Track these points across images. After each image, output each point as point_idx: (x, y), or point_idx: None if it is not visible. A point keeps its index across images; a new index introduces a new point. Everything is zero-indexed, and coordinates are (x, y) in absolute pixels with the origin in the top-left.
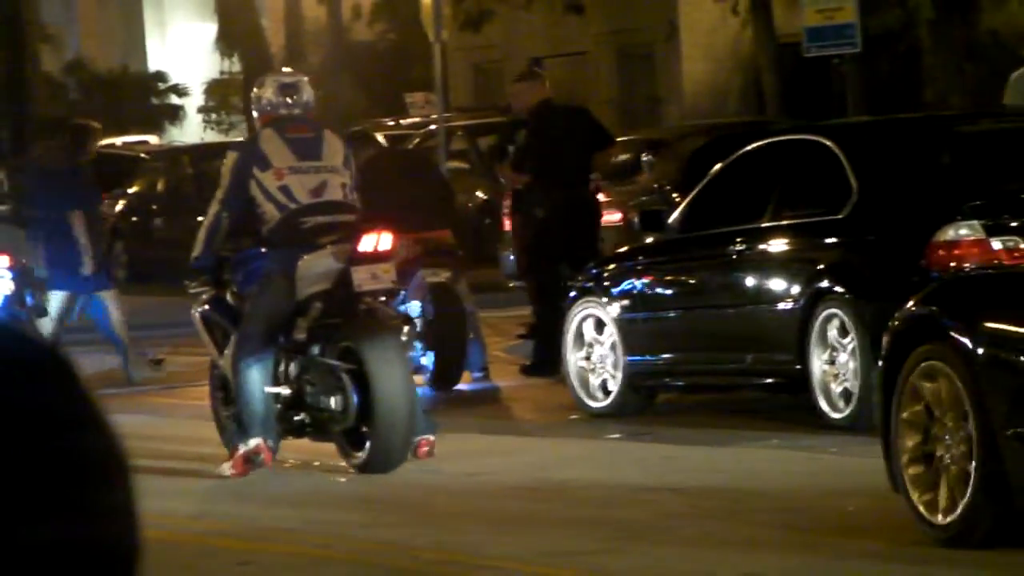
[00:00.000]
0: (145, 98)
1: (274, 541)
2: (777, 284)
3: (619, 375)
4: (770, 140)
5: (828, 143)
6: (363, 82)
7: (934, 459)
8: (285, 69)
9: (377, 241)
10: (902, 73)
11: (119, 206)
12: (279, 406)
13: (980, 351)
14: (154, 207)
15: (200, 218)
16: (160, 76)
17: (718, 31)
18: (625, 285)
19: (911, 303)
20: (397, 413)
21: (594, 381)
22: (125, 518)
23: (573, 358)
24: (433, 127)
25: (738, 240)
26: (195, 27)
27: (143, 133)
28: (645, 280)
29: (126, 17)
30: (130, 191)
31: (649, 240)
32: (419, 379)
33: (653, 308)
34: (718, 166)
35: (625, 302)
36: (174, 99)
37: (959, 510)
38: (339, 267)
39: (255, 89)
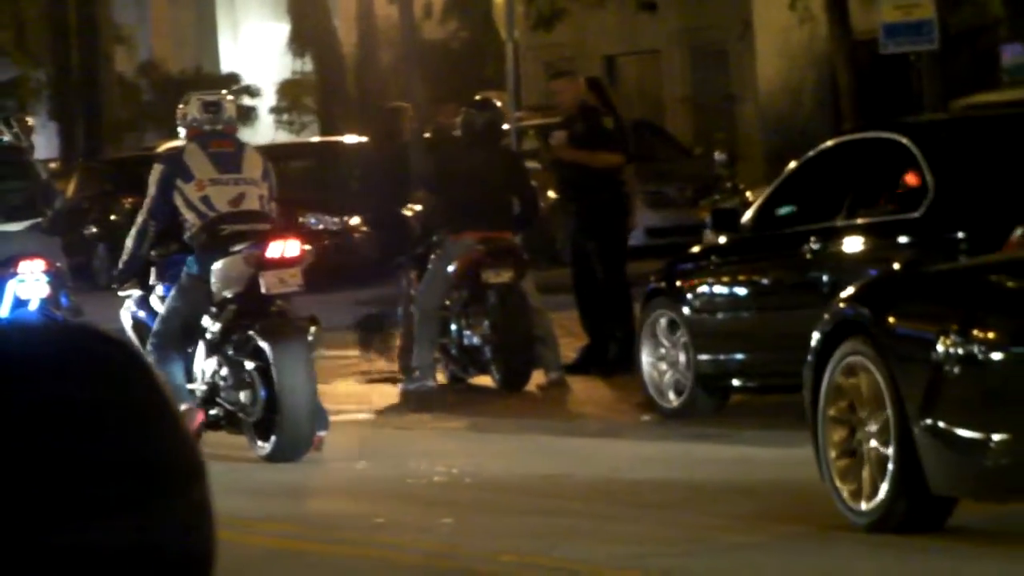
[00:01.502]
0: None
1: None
2: (850, 284)
3: (691, 375)
4: (845, 138)
5: (904, 141)
6: (435, 81)
7: (857, 452)
8: (215, 94)
9: (284, 247)
10: (980, 71)
11: None
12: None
13: (896, 347)
14: None
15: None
16: (233, 77)
17: (792, 29)
18: (698, 285)
19: (838, 302)
20: (300, 408)
21: (667, 381)
22: (201, 520)
23: (647, 359)
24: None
25: (812, 239)
26: (268, 27)
27: None
28: (718, 280)
29: (199, 18)
30: None
31: (723, 239)
32: (487, 379)
33: (726, 308)
34: (792, 164)
35: (697, 302)
36: (246, 100)
37: (879, 497)
38: (250, 272)
39: (181, 106)
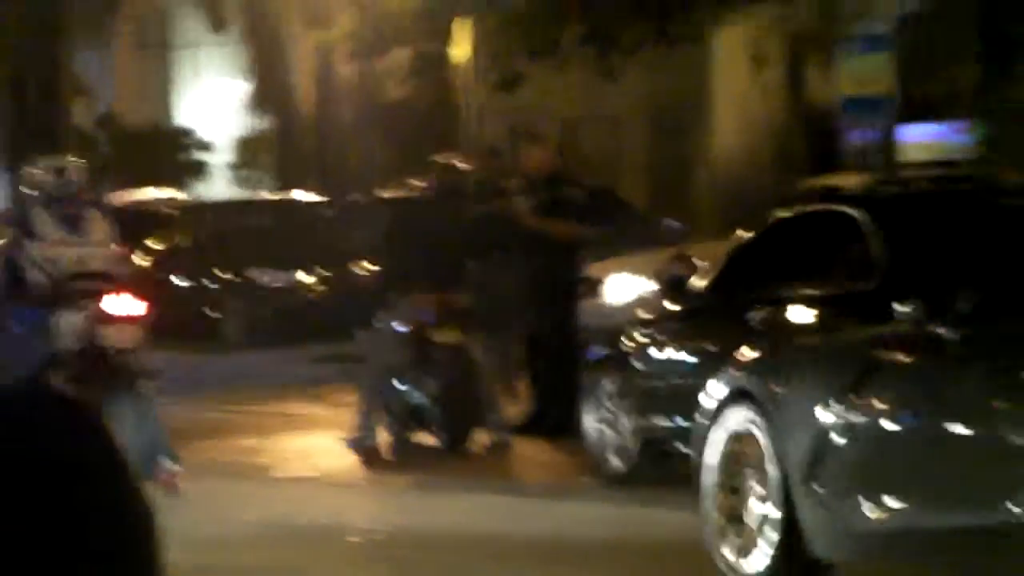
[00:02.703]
0: (173, 153)
1: None
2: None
3: (635, 440)
4: (799, 210)
5: (855, 213)
6: (395, 141)
7: (743, 513)
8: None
9: (122, 303)
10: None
11: (144, 260)
12: None
13: (781, 414)
14: (178, 262)
15: (218, 272)
16: (185, 131)
17: (750, 97)
18: (645, 350)
19: (728, 369)
20: (130, 457)
21: (611, 445)
22: (152, 570)
23: (591, 422)
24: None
25: (760, 309)
26: (227, 83)
27: (170, 188)
28: (665, 347)
29: (160, 72)
30: (155, 246)
31: (671, 306)
32: (431, 438)
33: (671, 375)
34: (746, 234)
35: (644, 368)
36: (201, 155)
37: (764, 561)
38: (89, 326)
39: (28, 169)
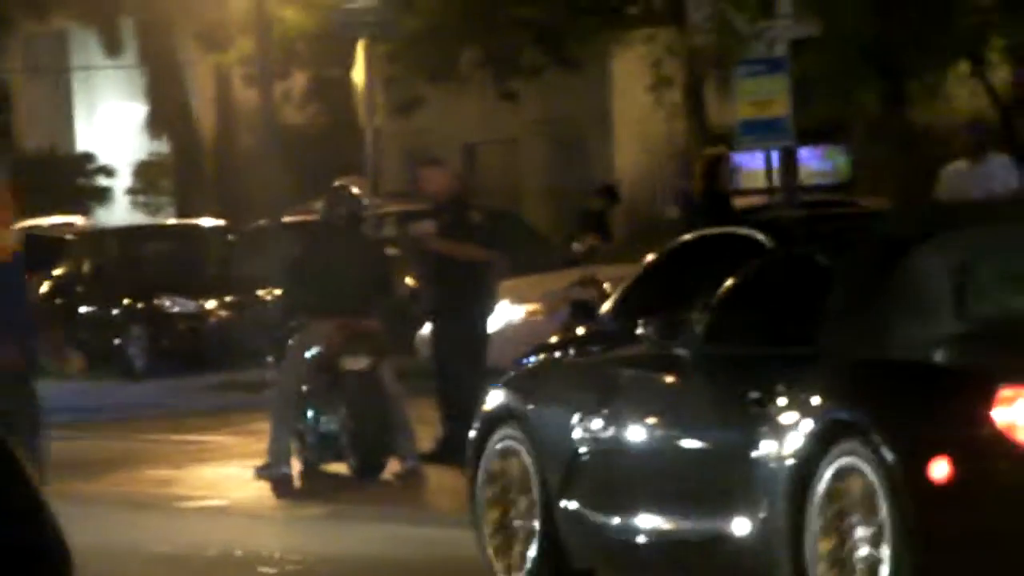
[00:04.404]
0: (73, 178)
1: None
2: None
3: None
4: (704, 232)
5: (760, 236)
6: (295, 166)
7: (509, 528)
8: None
9: None
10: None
11: (44, 287)
12: None
13: (540, 432)
14: (79, 289)
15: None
16: (88, 156)
17: (650, 121)
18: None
19: (494, 388)
20: None
21: None
22: None
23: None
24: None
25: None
26: (125, 107)
27: (70, 214)
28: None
29: (55, 96)
30: (55, 272)
31: (581, 330)
32: (343, 466)
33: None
34: (650, 257)
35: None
36: (102, 180)
37: (526, 568)
38: None
39: None
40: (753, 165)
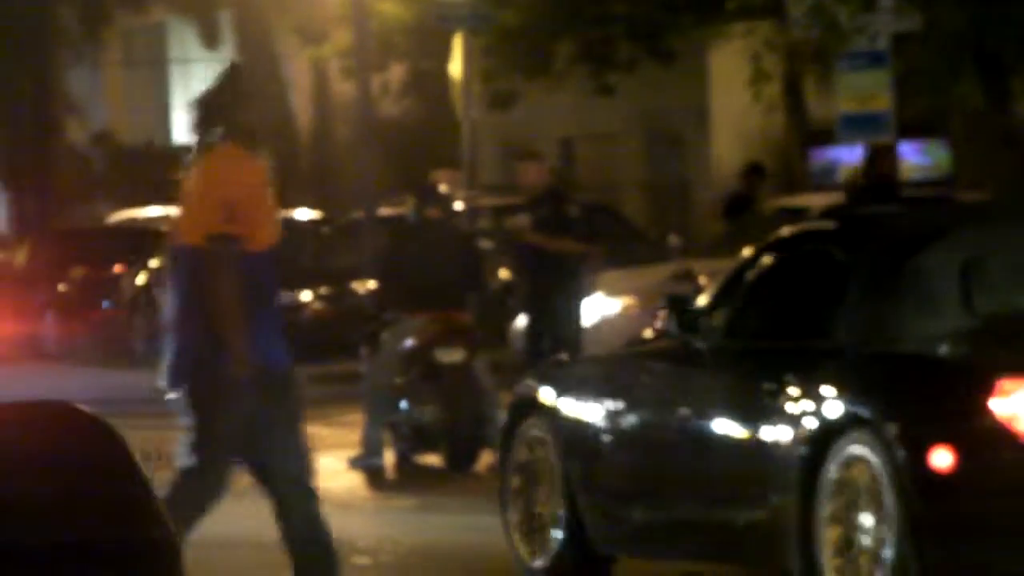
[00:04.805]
0: (170, 171)
1: None
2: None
3: None
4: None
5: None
6: (391, 158)
7: (535, 515)
8: None
9: None
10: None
11: (140, 279)
12: None
13: (565, 424)
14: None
15: None
16: (186, 149)
17: (749, 115)
18: None
19: (523, 381)
20: None
21: None
22: None
23: None
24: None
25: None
26: None
27: (167, 206)
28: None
29: (153, 89)
30: (152, 264)
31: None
32: (436, 458)
33: None
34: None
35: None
36: None
37: (551, 556)
38: None
39: None
40: (851, 159)
